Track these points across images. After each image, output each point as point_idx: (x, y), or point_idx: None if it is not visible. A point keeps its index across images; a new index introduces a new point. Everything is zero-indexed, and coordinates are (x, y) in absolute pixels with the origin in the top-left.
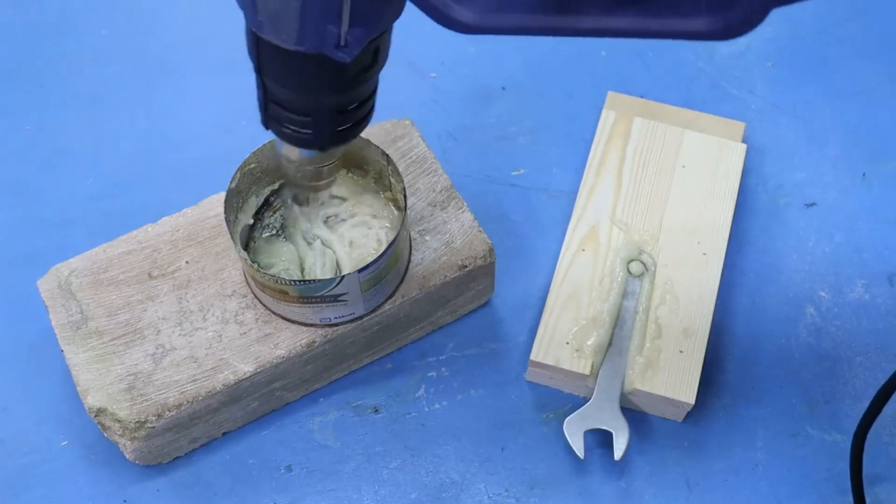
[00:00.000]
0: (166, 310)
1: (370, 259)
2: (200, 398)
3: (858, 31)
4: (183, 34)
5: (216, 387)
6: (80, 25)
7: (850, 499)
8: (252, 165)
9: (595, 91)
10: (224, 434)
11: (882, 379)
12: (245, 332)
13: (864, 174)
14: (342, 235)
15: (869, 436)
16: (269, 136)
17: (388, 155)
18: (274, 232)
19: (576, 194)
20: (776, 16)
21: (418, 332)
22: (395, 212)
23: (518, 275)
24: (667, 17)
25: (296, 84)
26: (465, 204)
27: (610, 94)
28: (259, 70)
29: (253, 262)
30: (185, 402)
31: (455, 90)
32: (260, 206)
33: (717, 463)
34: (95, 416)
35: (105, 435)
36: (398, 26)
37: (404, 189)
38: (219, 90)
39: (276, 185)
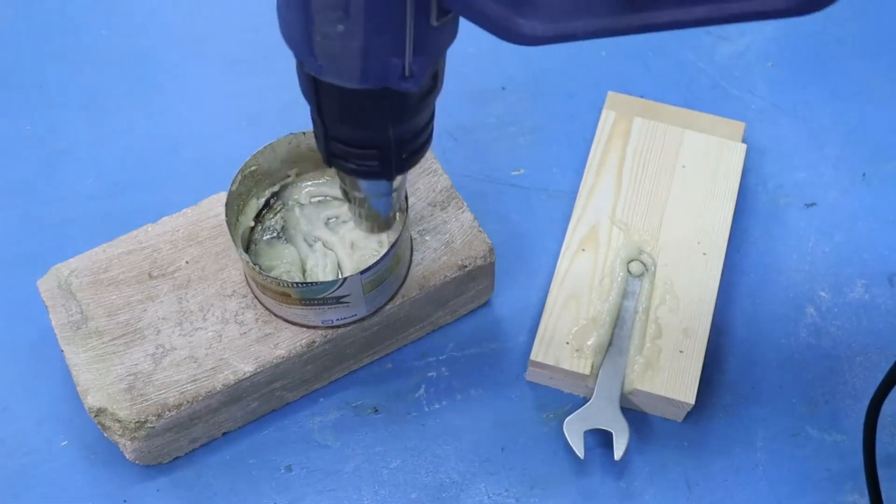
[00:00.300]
0: (166, 310)
1: (372, 261)
2: (200, 398)
3: (858, 31)
4: (183, 34)
5: (216, 387)
6: (80, 25)
7: (850, 498)
8: (253, 168)
9: (595, 91)
10: (224, 434)
11: (881, 378)
12: (245, 332)
13: (864, 174)
14: (343, 237)
15: (879, 414)
16: (270, 136)
17: None
18: (275, 234)
19: (576, 194)
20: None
21: (418, 333)
22: (396, 213)
23: (518, 275)
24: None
25: (360, 120)
26: (465, 204)
27: (610, 94)
28: (319, 111)
29: (254, 264)
30: (185, 402)
31: (455, 90)
32: (261, 209)
33: (717, 463)
34: (95, 416)
35: (105, 435)
36: None
37: (405, 190)
38: (219, 90)
39: (276, 188)
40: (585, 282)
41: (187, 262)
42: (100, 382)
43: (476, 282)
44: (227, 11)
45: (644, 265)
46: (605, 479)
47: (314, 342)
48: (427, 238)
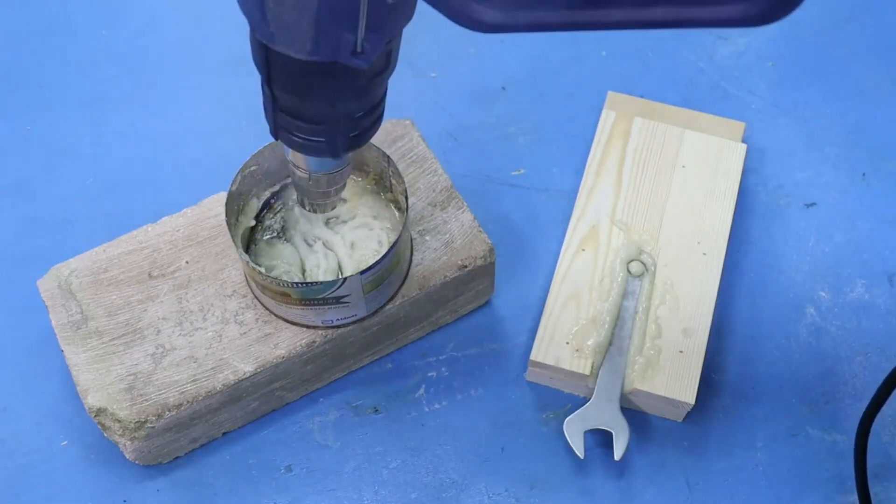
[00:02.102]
0: (166, 310)
1: (372, 261)
2: (200, 398)
3: (858, 31)
4: (183, 34)
5: (216, 387)
6: (80, 25)
7: (850, 498)
8: (252, 168)
9: (595, 91)
10: (224, 434)
11: (882, 379)
12: (245, 332)
13: (863, 174)
14: (343, 237)
15: (869, 435)
16: (269, 136)
17: (388, 156)
18: (275, 234)
19: (576, 194)
20: None
21: (418, 332)
22: (396, 213)
23: (518, 275)
24: (700, 5)
25: (308, 93)
26: (465, 204)
27: (610, 94)
28: (268, 81)
29: (255, 264)
30: (185, 402)
31: (455, 90)
32: (261, 208)
33: (717, 463)
34: (95, 416)
35: (105, 435)
36: None
37: (405, 190)
38: (219, 90)
39: (276, 188)
40: (585, 282)
41: (187, 262)
42: (100, 382)
43: (476, 282)
44: (226, 12)
45: (644, 265)
46: (605, 479)
47: (314, 342)
48: (427, 238)
